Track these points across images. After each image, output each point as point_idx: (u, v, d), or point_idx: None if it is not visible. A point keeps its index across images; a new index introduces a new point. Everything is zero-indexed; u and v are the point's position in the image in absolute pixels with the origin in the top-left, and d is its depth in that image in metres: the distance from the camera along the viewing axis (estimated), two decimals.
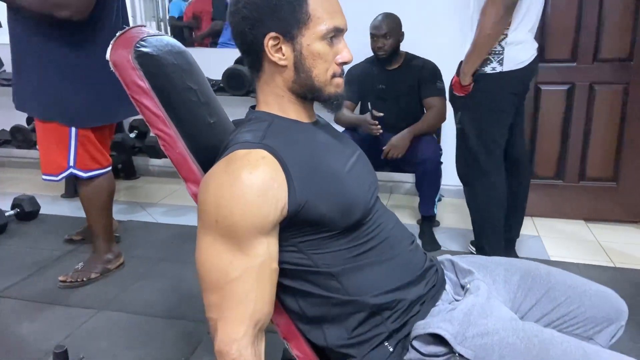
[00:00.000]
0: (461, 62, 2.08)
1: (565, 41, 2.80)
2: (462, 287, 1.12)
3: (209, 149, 1.06)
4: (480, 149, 2.13)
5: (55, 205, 3.33)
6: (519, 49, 1.99)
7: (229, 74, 3.14)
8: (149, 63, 1.01)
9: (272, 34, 0.96)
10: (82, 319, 2.02)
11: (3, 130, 3.60)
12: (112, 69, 1.00)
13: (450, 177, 3.38)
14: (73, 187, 3.49)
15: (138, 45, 1.01)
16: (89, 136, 2.17)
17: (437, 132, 3.03)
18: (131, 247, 2.64)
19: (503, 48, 1.97)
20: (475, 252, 2.46)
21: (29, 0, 1.91)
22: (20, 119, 3.65)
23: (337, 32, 0.99)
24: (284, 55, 0.98)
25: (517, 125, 2.26)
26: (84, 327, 1.97)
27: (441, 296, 1.08)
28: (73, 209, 3.26)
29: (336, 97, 1.02)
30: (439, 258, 1.22)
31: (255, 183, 0.88)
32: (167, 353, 1.80)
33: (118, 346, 1.85)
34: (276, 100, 1.03)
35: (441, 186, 3.39)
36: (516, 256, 2.49)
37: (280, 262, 0.98)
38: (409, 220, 3.09)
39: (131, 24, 1.61)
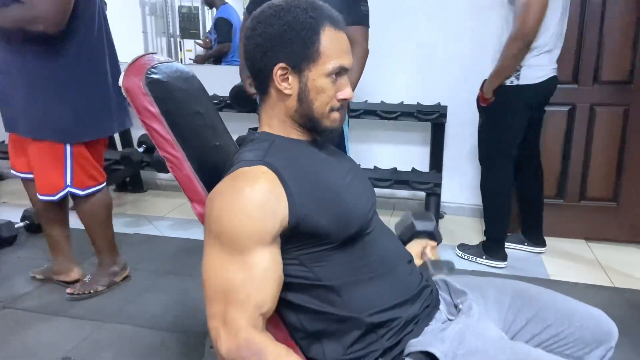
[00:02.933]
0: (484, 80, 2.50)
1: (567, 63, 2.85)
2: (456, 307, 1.16)
3: (213, 170, 1.11)
4: (495, 146, 2.57)
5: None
6: (535, 69, 2.37)
7: (236, 92, 3.20)
8: (159, 89, 1.07)
9: (282, 64, 1.03)
10: (88, 331, 2.06)
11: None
12: (123, 93, 1.06)
13: (452, 194, 3.44)
14: None
15: (149, 72, 1.07)
16: (84, 153, 2.17)
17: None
18: (137, 260, 2.69)
19: (521, 67, 2.37)
20: (464, 258, 2.78)
21: (2, 18, 1.89)
22: None
23: (342, 70, 1.06)
24: (289, 85, 1.04)
25: (533, 129, 2.63)
26: (90, 339, 2.01)
27: (435, 316, 1.12)
28: None
29: (332, 129, 1.09)
30: (434, 279, 1.26)
31: (255, 196, 0.95)
32: None
33: (122, 358, 1.89)
34: (279, 123, 1.09)
35: (442, 203, 3.46)
36: (542, 241, 2.86)
37: (284, 275, 1.03)
38: None
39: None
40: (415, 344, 1.02)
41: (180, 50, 5.06)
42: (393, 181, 3.13)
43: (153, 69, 1.08)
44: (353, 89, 2.45)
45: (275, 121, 1.09)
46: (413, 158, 3.42)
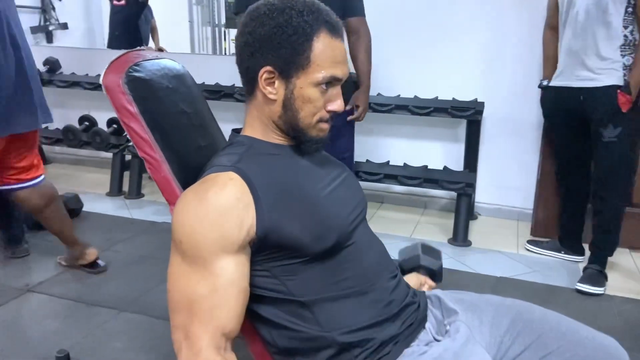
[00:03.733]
0: (627, 82, 2.23)
1: None
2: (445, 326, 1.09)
3: (197, 172, 1.07)
4: (632, 156, 2.48)
5: (99, 203, 3.47)
6: None
7: None
8: (140, 88, 1.04)
9: (268, 68, 0.97)
10: (103, 319, 2.10)
11: (57, 129, 3.80)
12: (104, 92, 1.04)
13: (488, 195, 3.30)
14: (118, 185, 3.65)
15: (130, 70, 1.04)
16: None
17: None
18: (159, 249, 2.72)
19: None
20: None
21: None
22: (73, 119, 3.86)
23: (334, 81, 0.99)
24: (275, 90, 0.99)
25: None
26: (103, 327, 2.04)
27: (418, 336, 1.05)
28: (116, 207, 3.40)
29: (317, 140, 1.03)
30: (428, 293, 1.18)
31: (219, 203, 0.90)
32: None
33: (133, 348, 1.91)
34: (261, 126, 1.04)
35: (476, 203, 3.32)
36: (581, 251, 2.70)
37: (255, 287, 0.98)
38: (440, 238, 3.02)
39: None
40: None
41: (225, 39, 5.08)
42: (422, 179, 3.03)
43: (135, 67, 1.05)
44: (366, 80, 2.41)
45: (258, 123, 1.04)
46: (446, 156, 3.30)
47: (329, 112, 1.01)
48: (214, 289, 0.90)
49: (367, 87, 2.45)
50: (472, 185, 2.96)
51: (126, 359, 1.86)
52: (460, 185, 2.95)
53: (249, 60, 0.99)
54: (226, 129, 1.20)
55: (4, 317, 2.12)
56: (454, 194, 3.13)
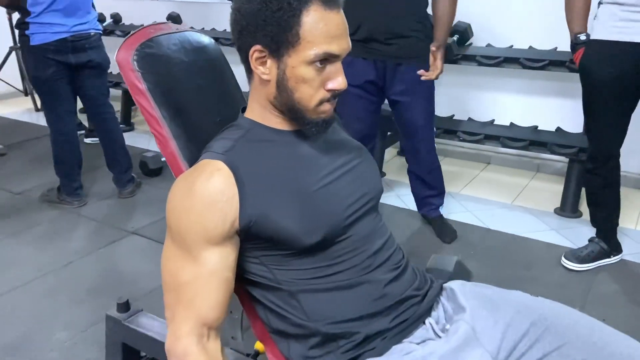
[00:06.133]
0: None
1: None
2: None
3: None
4: None
5: None
6: None
7: None
8: (150, 64, 1.05)
9: (258, 46, 0.92)
10: None
11: None
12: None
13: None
14: None
15: (141, 46, 1.05)
16: None
17: None
18: None
19: None
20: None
21: None
22: None
23: (330, 58, 0.91)
24: (267, 70, 0.94)
25: None
26: None
27: (415, 332, 0.98)
28: None
29: (318, 123, 0.96)
30: (448, 284, 1.08)
31: (204, 195, 0.90)
32: None
33: None
34: (260, 108, 1.00)
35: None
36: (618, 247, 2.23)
37: (247, 272, 0.99)
38: (546, 207, 2.74)
39: None
40: None
41: None
42: (528, 142, 2.74)
43: (148, 42, 1.06)
44: (444, 33, 2.13)
45: (257, 106, 1.00)
46: (562, 116, 2.93)
47: (329, 91, 0.94)
48: (196, 277, 0.91)
49: (445, 41, 2.19)
50: (586, 150, 2.61)
51: None
52: (573, 150, 2.62)
53: (239, 40, 0.94)
54: None
55: (106, 256, 2.40)
56: None
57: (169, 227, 0.94)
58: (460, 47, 2.95)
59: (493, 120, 2.94)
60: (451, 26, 2.23)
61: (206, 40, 1.18)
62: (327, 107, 0.96)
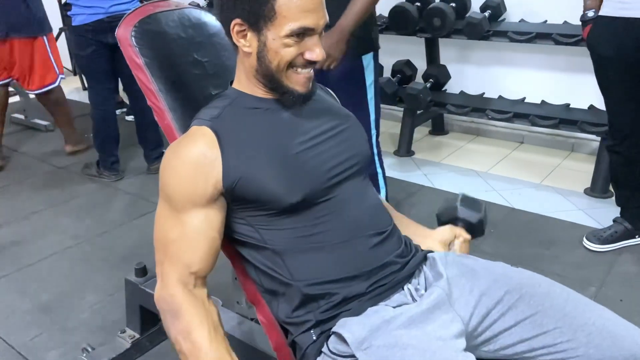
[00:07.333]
0: None
1: None
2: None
3: None
4: None
5: None
6: None
7: (394, 12, 3.04)
8: (147, 39, 1.12)
9: (238, 20, 0.97)
10: None
11: None
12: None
13: None
14: None
15: (140, 22, 1.12)
16: None
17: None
18: None
19: None
20: None
21: None
22: None
23: (307, 31, 0.95)
24: (248, 42, 0.98)
25: None
26: None
27: (392, 296, 1.01)
28: None
29: (295, 93, 1.00)
30: (432, 254, 1.11)
31: (189, 157, 0.97)
32: None
33: None
34: (245, 79, 1.05)
35: None
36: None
37: (236, 233, 1.05)
38: (576, 187, 2.68)
39: None
40: (339, 324, 0.95)
41: None
42: (559, 120, 2.67)
43: (147, 19, 1.12)
44: (355, 22, 1.72)
45: (243, 76, 1.04)
46: (598, 93, 2.82)
47: (305, 59, 0.97)
48: (182, 236, 0.98)
49: (344, 31, 1.76)
50: None
51: None
52: (604, 129, 2.53)
53: (220, 14, 1.00)
54: None
55: (138, 226, 2.53)
56: None
57: (160, 189, 1.01)
58: (492, 23, 2.88)
59: (524, 98, 2.88)
60: (360, 16, 1.79)
61: (206, 17, 1.23)
62: (300, 77, 0.99)
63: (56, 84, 3.23)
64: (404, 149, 3.20)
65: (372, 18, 1.94)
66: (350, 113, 1.16)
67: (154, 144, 3.05)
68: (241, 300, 1.52)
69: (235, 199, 0.99)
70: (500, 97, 2.95)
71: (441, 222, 1.27)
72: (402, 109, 3.17)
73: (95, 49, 2.75)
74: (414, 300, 1.02)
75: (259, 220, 1.01)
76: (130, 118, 3.89)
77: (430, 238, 1.19)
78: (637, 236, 2.13)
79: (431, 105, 3.13)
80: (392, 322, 0.92)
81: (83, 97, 4.60)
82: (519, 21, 2.90)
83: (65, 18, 2.81)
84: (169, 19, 1.16)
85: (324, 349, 0.97)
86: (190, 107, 1.15)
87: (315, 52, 0.96)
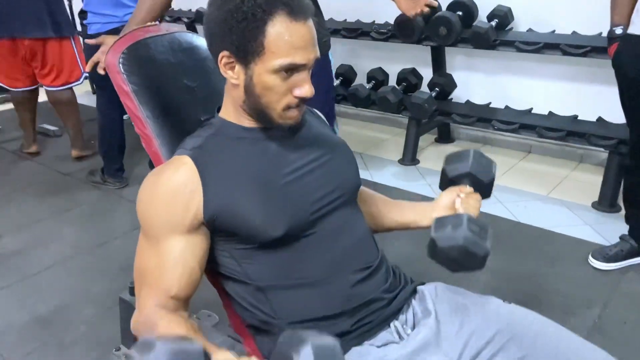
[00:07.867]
0: None
1: None
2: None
3: None
4: None
5: None
6: None
7: (400, 20, 3.00)
8: (135, 66, 1.10)
9: (226, 52, 0.95)
10: None
11: None
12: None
13: None
14: None
15: (128, 49, 1.10)
16: None
17: None
18: None
19: None
20: None
21: None
22: None
23: (297, 67, 0.92)
24: (236, 75, 0.96)
25: None
26: None
27: (378, 334, 0.99)
28: None
29: (284, 127, 0.99)
30: (422, 287, 1.08)
31: (169, 186, 0.95)
32: None
33: None
34: (232, 108, 1.03)
35: None
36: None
37: (220, 265, 1.03)
38: (583, 200, 2.63)
39: None
40: None
41: None
42: (566, 132, 2.63)
43: (136, 45, 1.11)
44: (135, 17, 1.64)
45: (231, 106, 1.03)
46: (605, 105, 2.77)
47: (296, 97, 0.95)
48: (160, 264, 0.95)
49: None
50: (626, 143, 2.47)
51: None
52: (613, 142, 2.49)
53: (210, 45, 0.98)
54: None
55: None
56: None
57: (139, 219, 0.99)
58: (499, 33, 2.84)
59: (531, 109, 2.83)
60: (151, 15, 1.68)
61: (198, 40, 1.21)
62: (294, 112, 0.98)
63: (80, 82, 3.34)
64: (409, 158, 3.17)
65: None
66: (339, 140, 1.13)
67: None
68: None
69: (216, 230, 0.98)
70: (507, 107, 2.91)
71: (446, 178, 1.16)
72: (407, 117, 3.14)
73: None
74: (400, 338, 0.99)
75: (242, 254, 0.99)
76: None
77: (434, 211, 1.13)
78: None
79: (436, 115, 3.10)
80: None
81: (92, 101, 4.62)
82: (527, 30, 2.85)
83: (81, 25, 2.87)
84: (158, 44, 1.14)
85: None
86: (178, 133, 1.13)
87: (304, 88, 0.94)
